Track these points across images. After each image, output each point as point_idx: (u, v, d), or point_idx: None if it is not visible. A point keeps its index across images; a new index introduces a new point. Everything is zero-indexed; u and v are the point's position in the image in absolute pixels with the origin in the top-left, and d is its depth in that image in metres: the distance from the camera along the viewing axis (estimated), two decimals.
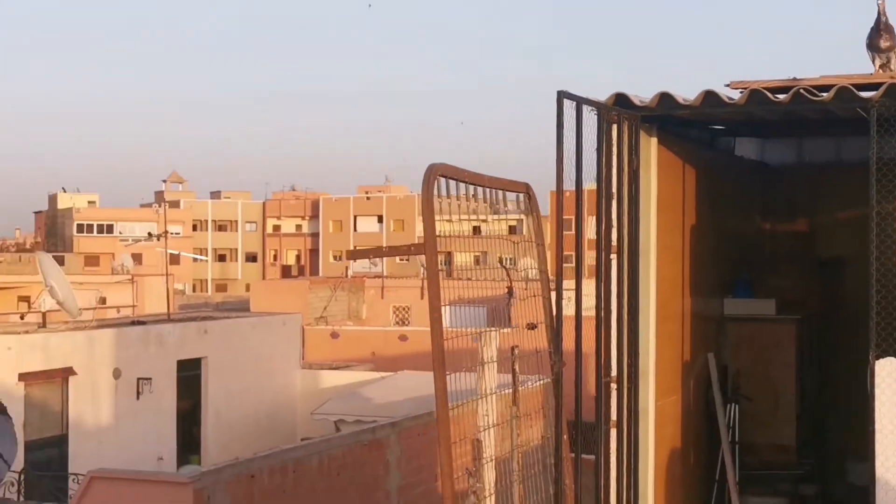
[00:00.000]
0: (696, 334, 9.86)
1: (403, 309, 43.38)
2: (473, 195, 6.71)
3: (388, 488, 17.53)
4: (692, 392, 9.83)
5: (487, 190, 6.94)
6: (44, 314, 24.10)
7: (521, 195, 7.46)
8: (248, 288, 68.18)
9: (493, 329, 6.92)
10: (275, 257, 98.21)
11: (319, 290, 44.36)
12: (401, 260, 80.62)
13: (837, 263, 11.60)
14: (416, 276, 51.67)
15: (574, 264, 7.61)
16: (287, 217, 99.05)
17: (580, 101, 7.55)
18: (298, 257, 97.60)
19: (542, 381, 7.45)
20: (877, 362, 7.53)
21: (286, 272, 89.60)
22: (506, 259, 7.29)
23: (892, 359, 7.50)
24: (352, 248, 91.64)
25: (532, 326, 7.14)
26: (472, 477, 6.49)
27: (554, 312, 7.55)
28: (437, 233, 6.50)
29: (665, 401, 9.07)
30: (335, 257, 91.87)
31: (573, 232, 7.87)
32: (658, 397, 8.84)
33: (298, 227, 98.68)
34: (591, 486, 7.89)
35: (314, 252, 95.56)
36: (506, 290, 6.98)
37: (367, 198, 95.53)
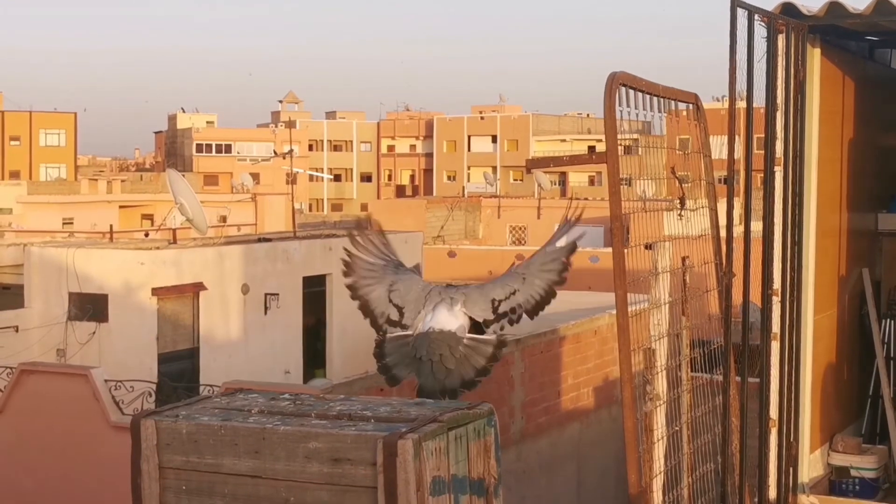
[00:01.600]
0: (852, 249, 9.77)
1: (520, 228, 43.39)
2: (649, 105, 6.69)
3: (513, 404, 17.73)
4: (847, 307, 9.76)
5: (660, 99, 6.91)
6: (174, 231, 24.62)
7: (691, 105, 7.43)
8: (363, 207, 68.82)
9: (667, 240, 6.93)
10: (389, 177, 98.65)
11: (436, 210, 44.58)
12: (515, 180, 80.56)
13: None
14: (531, 195, 51.64)
15: (743, 177, 7.57)
16: (401, 137, 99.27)
17: (752, 10, 7.46)
18: (413, 177, 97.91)
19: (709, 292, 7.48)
20: None
21: (400, 192, 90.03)
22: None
23: None
24: (465, 168, 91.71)
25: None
26: (649, 384, 6.56)
27: (722, 225, 7.56)
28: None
29: (822, 315, 9.03)
30: (449, 177, 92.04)
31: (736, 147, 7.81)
32: (816, 311, 8.81)
33: (412, 146, 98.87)
34: (754, 409, 7.93)
35: (428, 172, 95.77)
36: (677, 200, 6.98)
37: (482, 117, 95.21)
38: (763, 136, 8.11)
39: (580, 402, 19.17)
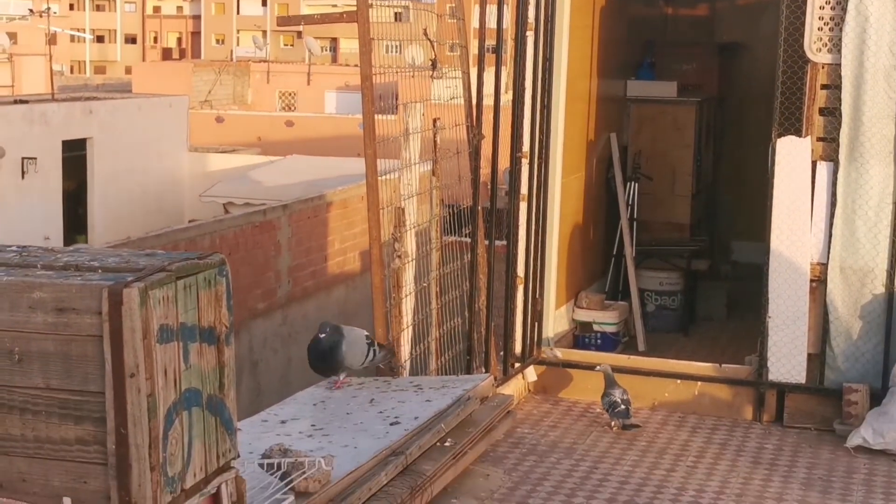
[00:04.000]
0: (601, 115, 10.10)
1: (290, 94, 42.91)
2: None
3: (279, 268, 17.81)
4: (594, 170, 10.13)
5: None
6: None
7: None
8: (128, 70, 66.49)
9: (417, 102, 7.03)
10: (155, 39, 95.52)
11: (203, 74, 43.52)
12: (285, 45, 79.23)
13: (736, 48, 11.91)
14: (301, 61, 50.99)
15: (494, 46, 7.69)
16: None
17: None
18: (180, 40, 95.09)
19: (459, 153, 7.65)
20: (778, 141, 7.85)
21: (167, 55, 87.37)
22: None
23: (791, 137, 7.82)
24: (235, 32, 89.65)
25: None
26: (397, 241, 6.71)
27: (473, 90, 7.71)
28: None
29: (570, 178, 9.35)
30: (217, 40, 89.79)
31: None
32: (564, 174, 9.10)
33: (179, 8, 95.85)
34: (503, 270, 8.19)
35: (196, 35, 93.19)
36: (429, 63, 7.07)
37: None
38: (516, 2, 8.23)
39: (346, 267, 19.40)
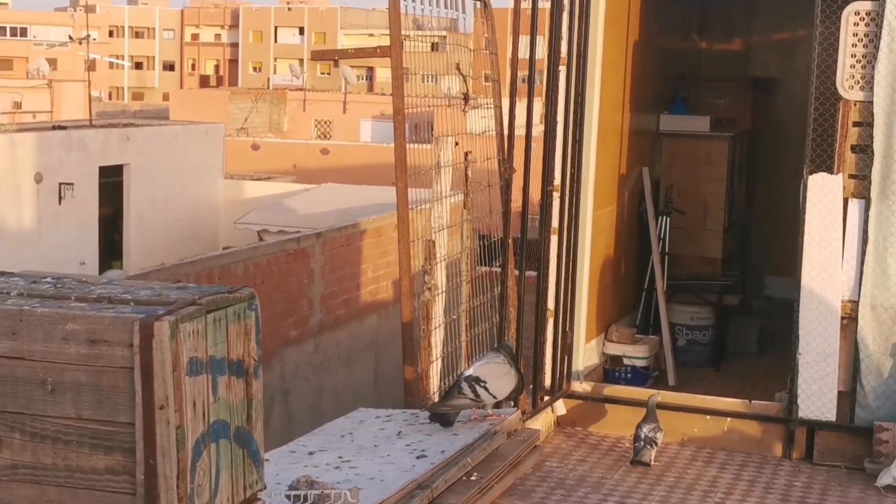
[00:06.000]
0: (633, 149, 10.13)
1: (325, 122, 43.19)
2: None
3: (312, 296, 17.88)
4: (626, 204, 10.15)
5: None
6: None
7: (478, 3, 7.55)
8: (165, 97, 67.16)
9: (449, 135, 7.08)
10: (193, 67, 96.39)
11: (240, 101, 43.87)
12: (322, 73, 79.69)
13: (770, 83, 11.92)
14: (337, 89, 51.30)
15: (526, 77, 7.74)
16: (206, 26, 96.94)
17: None
18: (217, 67, 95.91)
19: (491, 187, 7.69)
20: (810, 177, 7.85)
21: (204, 82, 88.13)
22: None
23: (823, 174, 7.82)
24: (272, 60, 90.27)
25: None
26: (427, 273, 6.75)
27: (505, 122, 7.75)
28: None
29: (601, 211, 9.37)
30: (255, 68, 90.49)
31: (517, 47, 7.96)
32: (595, 208, 9.13)
33: (217, 36, 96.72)
34: (533, 301, 8.20)
35: (233, 63, 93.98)
36: (462, 96, 7.13)
37: (289, 8, 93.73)
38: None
39: (379, 295, 19.45)
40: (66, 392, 3.52)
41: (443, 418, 6.36)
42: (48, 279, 3.81)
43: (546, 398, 8.29)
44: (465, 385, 6.34)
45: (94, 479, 3.54)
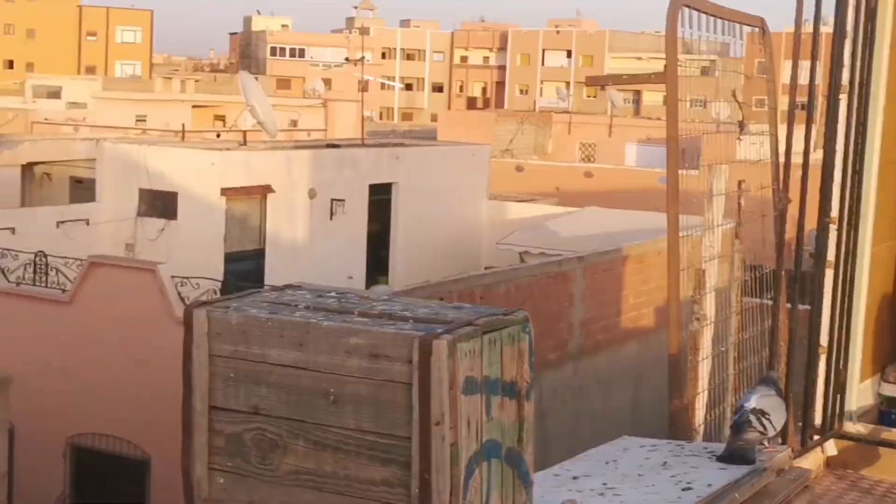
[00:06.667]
0: None
1: (590, 146, 43.21)
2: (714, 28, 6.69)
3: (572, 320, 17.87)
4: None
5: (724, 22, 6.90)
6: (244, 133, 24.86)
7: (756, 29, 7.40)
8: (433, 118, 68.71)
9: (723, 163, 6.97)
10: (461, 88, 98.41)
11: (506, 123, 44.46)
12: (588, 97, 79.92)
13: None
14: (602, 113, 51.26)
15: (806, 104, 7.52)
16: (475, 48, 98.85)
17: None
18: (484, 89, 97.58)
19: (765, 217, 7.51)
20: None
21: (471, 104, 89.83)
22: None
23: None
24: (538, 83, 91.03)
25: None
26: (696, 303, 6.65)
27: (781, 150, 7.56)
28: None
29: (881, 246, 8.99)
30: (521, 91, 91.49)
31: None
32: (874, 242, 8.77)
33: (486, 58, 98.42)
34: (804, 336, 7.95)
35: (500, 85, 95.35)
36: (738, 124, 7.00)
37: (557, 32, 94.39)
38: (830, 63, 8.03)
39: (640, 322, 19.27)
40: (347, 403, 3.63)
41: (743, 454, 6.17)
42: (332, 293, 3.94)
43: (816, 437, 8.01)
44: (752, 418, 6.16)
45: (371, 489, 3.64)
